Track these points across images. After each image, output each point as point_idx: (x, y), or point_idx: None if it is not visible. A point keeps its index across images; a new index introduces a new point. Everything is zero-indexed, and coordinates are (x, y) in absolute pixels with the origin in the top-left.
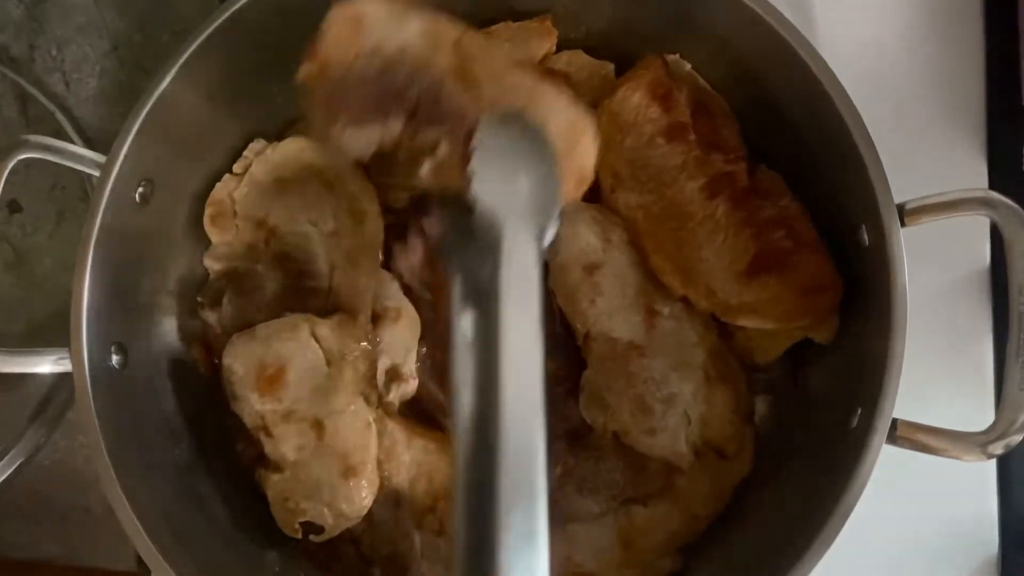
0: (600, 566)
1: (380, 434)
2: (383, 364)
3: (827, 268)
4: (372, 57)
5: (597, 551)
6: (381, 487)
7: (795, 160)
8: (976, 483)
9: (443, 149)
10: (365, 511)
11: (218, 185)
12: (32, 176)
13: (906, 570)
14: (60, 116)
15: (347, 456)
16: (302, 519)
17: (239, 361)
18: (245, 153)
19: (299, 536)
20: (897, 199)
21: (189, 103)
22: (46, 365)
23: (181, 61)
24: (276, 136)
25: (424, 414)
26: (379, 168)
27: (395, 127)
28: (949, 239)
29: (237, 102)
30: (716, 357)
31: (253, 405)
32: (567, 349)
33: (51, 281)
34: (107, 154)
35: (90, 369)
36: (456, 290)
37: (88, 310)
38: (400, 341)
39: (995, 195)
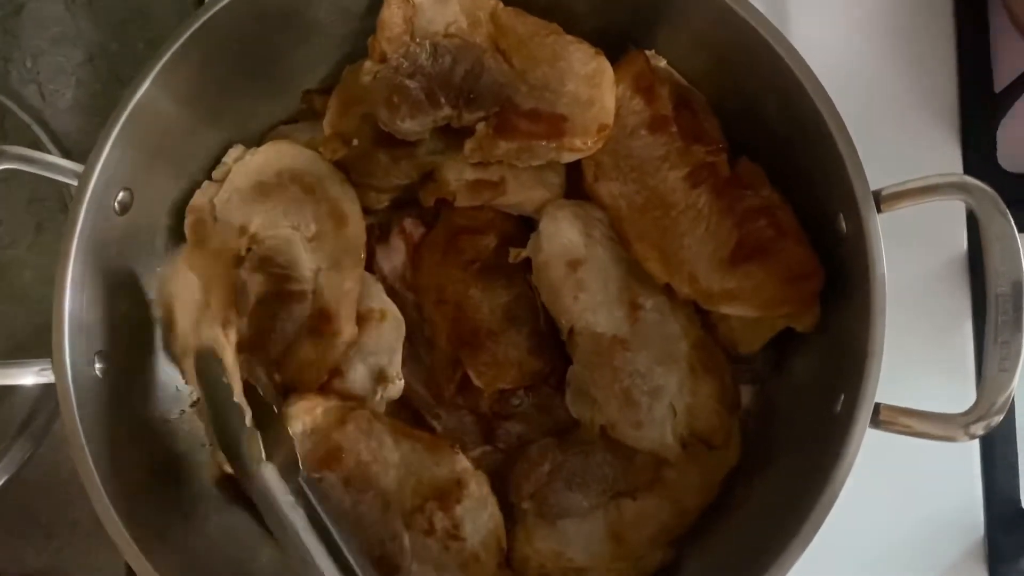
0: (592, 561)
1: (366, 433)
2: (369, 366)
3: (808, 256)
4: (423, 42)
5: (588, 546)
6: (370, 486)
7: (773, 152)
8: (960, 467)
9: (483, 128)
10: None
11: (197, 192)
12: (10, 189)
13: (894, 555)
14: (36, 128)
15: None
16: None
17: None
18: (224, 159)
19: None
20: (873, 186)
21: (166, 111)
22: (29, 376)
23: (157, 68)
24: (255, 143)
25: (411, 414)
26: (360, 170)
27: (446, 110)
28: (926, 227)
29: (215, 109)
30: (700, 349)
31: None
32: (552, 346)
33: (31, 294)
34: (84, 164)
35: (73, 378)
36: None
37: (70, 319)
38: (385, 342)
39: (970, 179)
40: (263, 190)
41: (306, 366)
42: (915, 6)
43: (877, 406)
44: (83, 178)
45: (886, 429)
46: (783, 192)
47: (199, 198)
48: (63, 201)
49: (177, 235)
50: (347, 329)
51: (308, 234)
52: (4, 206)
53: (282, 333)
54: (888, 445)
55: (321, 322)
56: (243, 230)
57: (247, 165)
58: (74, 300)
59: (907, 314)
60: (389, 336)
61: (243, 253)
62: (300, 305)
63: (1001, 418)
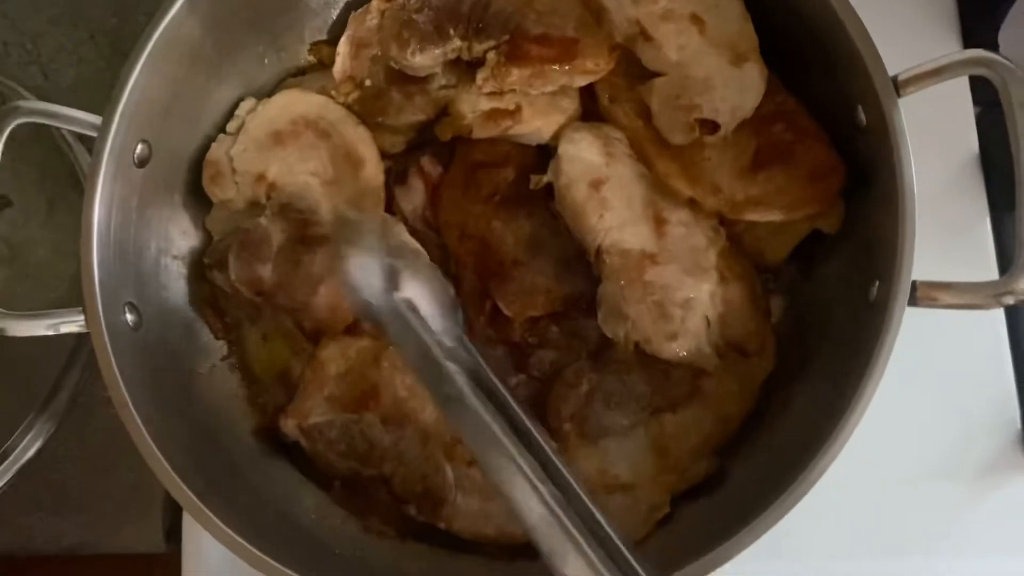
0: (637, 476)
1: (401, 370)
2: None
3: (828, 154)
4: None
5: (632, 462)
6: (409, 422)
7: (785, 55)
8: (993, 366)
9: (494, 56)
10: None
11: (214, 146)
12: (20, 169)
13: (933, 453)
14: None
15: (734, 45)
16: (697, 116)
17: None
18: (237, 112)
19: (695, 135)
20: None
21: (176, 65)
22: (62, 327)
23: (162, 26)
24: (265, 97)
25: None
26: (374, 110)
27: (456, 42)
28: (938, 130)
29: (223, 64)
30: (728, 257)
31: (627, 11)
32: (579, 271)
33: (47, 270)
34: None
35: (107, 327)
36: None
37: (99, 270)
38: None
39: (989, 54)
40: (278, 138)
41: (333, 308)
42: None
43: (914, 284)
44: (102, 129)
45: (925, 305)
46: (799, 91)
47: (215, 151)
48: (75, 177)
49: (197, 192)
50: None
51: (326, 178)
52: (16, 185)
53: (307, 278)
54: (919, 344)
55: None
56: (261, 178)
57: (260, 115)
58: (101, 251)
59: (925, 211)
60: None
61: (264, 202)
62: (323, 248)
63: None
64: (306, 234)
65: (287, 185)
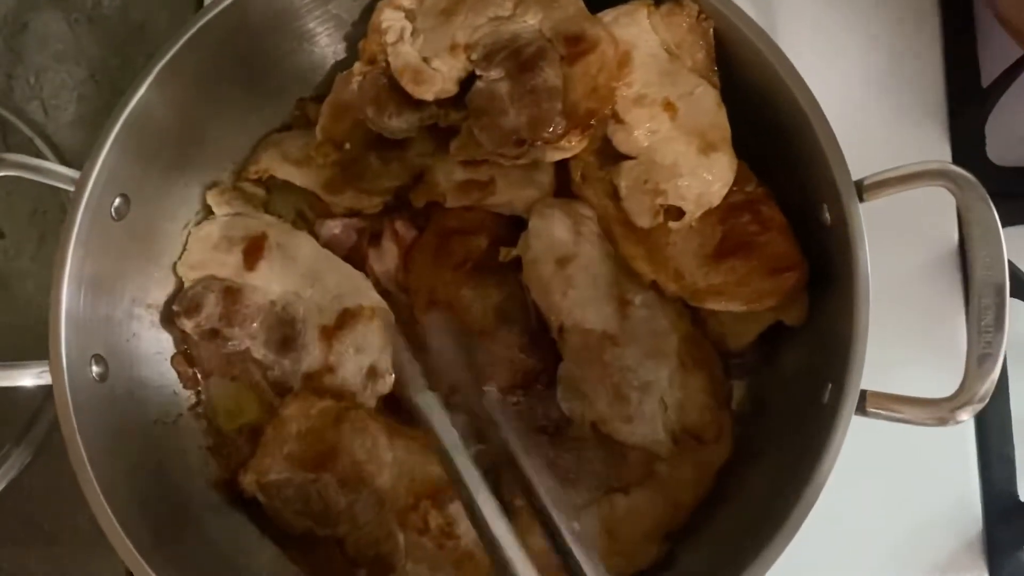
0: None
1: (360, 433)
2: (360, 362)
3: (791, 249)
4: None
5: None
6: (364, 485)
7: (756, 146)
8: (957, 462)
9: (467, 127)
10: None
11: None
12: (13, 202)
13: (892, 549)
14: (39, 142)
15: (704, 134)
16: (663, 202)
17: None
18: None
19: (660, 220)
20: (856, 176)
21: (162, 118)
22: (27, 378)
23: (152, 75)
24: (249, 150)
25: (406, 413)
26: (352, 173)
27: (432, 108)
28: (917, 221)
29: (210, 117)
30: (690, 343)
31: None
32: (544, 344)
33: (34, 304)
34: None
35: (70, 380)
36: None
37: (67, 322)
38: (376, 339)
39: (951, 167)
40: (447, 11)
41: (588, 93)
42: (901, 1)
43: (863, 393)
44: (79, 183)
45: (873, 416)
46: (768, 183)
47: (399, 58)
48: (65, 212)
49: (174, 241)
50: (594, 31)
51: (509, 12)
52: (7, 218)
53: (548, 90)
54: (883, 440)
55: (572, 47)
56: (455, 49)
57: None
58: (71, 303)
59: (900, 305)
60: (379, 333)
61: (471, 68)
62: (546, 56)
63: (985, 403)
64: (523, 57)
65: (481, 37)
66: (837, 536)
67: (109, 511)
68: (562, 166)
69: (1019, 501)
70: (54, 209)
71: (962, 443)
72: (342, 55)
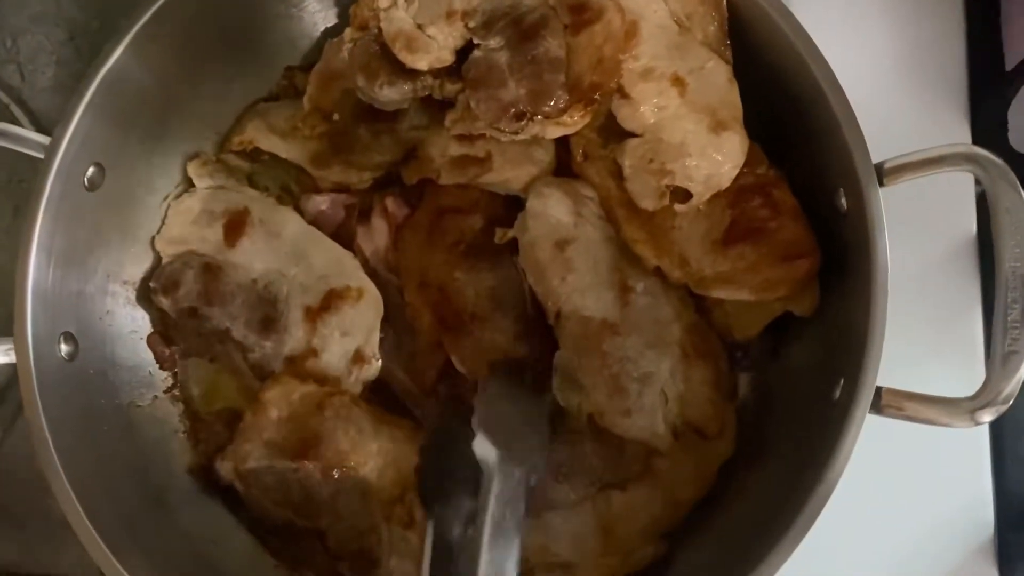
0: (579, 556)
1: (344, 420)
2: (346, 346)
3: (804, 236)
4: None
5: (576, 541)
6: (349, 476)
7: (771, 127)
8: (970, 464)
9: (464, 99)
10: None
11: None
12: None
13: (901, 554)
14: (15, 108)
15: (714, 111)
16: (669, 182)
17: None
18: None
19: (666, 202)
20: (876, 159)
21: (140, 83)
22: None
23: (128, 38)
24: (233, 120)
25: (392, 401)
26: (341, 146)
27: (427, 78)
28: (935, 209)
29: (192, 84)
30: (694, 333)
31: None
32: (539, 331)
33: (7, 276)
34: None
35: (36, 359)
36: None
37: (34, 297)
38: (362, 321)
39: (978, 150)
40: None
41: (593, 65)
42: None
43: (879, 390)
44: (50, 149)
45: (888, 414)
46: (782, 167)
47: (392, 24)
48: None
49: (150, 214)
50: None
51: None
52: None
53: (550, 61)
54: (894, 441)
55: (577, 15)
56: (451, 16)
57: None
58: (39, 277)
59: (914, 298)
60: (366, 315)
61: (469, 36)
62: (549, 25)
63: (1010, 404)
64: (523, 25)
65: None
66: (842, 540)
67: (75, 501)
68: (563, 143)
69: None
70: (30, 180)
71: (976, 444)
72: (332, 21)
